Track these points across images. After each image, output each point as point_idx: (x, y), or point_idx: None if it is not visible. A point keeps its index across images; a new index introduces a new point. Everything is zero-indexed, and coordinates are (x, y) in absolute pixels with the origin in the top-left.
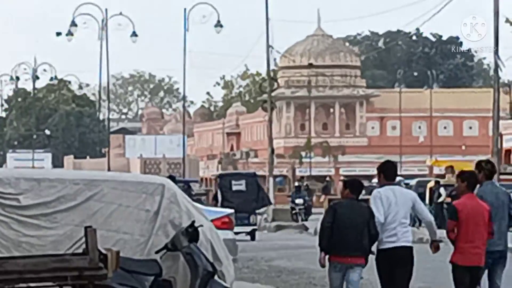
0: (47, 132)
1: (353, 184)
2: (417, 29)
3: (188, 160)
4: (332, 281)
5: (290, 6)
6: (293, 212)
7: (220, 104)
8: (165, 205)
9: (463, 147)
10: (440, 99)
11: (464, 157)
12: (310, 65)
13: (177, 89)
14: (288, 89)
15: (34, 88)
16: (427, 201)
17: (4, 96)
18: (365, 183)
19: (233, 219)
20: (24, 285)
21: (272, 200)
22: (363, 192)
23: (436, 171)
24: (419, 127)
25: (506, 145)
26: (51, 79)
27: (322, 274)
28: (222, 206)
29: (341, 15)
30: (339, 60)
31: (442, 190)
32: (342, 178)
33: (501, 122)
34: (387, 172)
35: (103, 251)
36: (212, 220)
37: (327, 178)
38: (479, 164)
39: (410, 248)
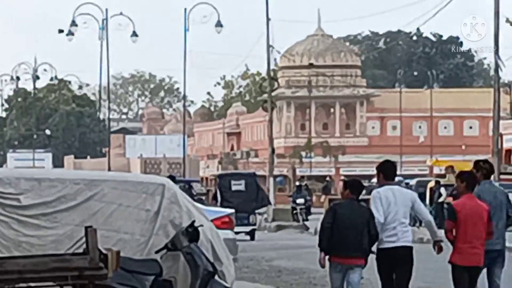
0: (48, 132)
1: (353, 185)
2: (418, 29)
3: (189, 160)
4: (333, 281)
5: (290, 6)
6: (294, 212)
7: (221, 104)
8: (166, 205)
9: (464, 147)
10: (440, 99)
11: (464, 157)
12: (311, 65)
13: (178, 89)
14: (289, 89)
15: (35, 88)
16: (427, 201)
17: (4, 96)
18: (365, 183)
19: (233, 219)
20: (24, 285)
21: (272, 200)
22: (363, 192)
23: (436, 171)
24: (419, 127)
25: (506, 145)
26: (52, 79)
27: (322, 274)
28: (222, 206)
29: (341, 15)
30: (340, 60)
31: (442, 190)
32: (342, 178)
33: (501, 122)
34: (386, 172)
35: (104, 251)
36: (212, 220)
37: (327, 178)
38: (477, 163)
39: (410, 248)
